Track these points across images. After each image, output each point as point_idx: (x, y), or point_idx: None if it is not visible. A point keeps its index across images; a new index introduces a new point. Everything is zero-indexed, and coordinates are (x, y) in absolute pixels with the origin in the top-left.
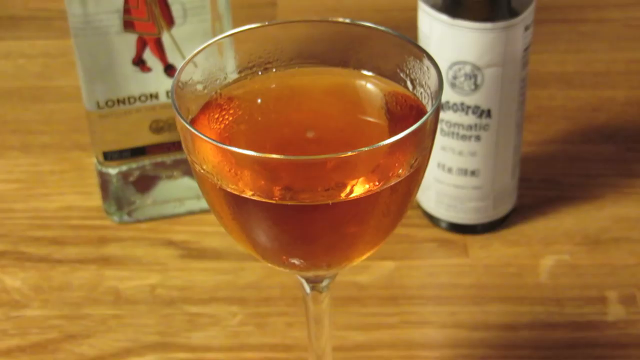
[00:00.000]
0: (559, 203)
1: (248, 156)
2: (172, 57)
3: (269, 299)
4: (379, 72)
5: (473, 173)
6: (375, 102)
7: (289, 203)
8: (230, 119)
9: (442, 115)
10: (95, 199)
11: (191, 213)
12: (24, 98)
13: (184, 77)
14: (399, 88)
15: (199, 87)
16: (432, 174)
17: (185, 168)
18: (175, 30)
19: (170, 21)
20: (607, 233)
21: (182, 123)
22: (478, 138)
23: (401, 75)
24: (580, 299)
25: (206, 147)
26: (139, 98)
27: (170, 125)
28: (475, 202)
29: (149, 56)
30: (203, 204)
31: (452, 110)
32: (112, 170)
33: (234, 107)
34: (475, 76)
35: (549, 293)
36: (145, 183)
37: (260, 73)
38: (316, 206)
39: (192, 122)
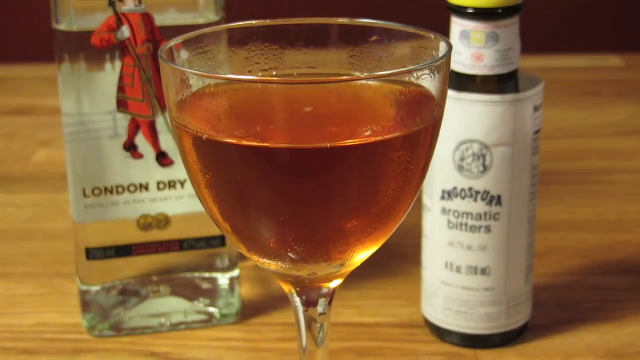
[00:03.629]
0: (578, 323)
1: (244, 81)
2: (166, 144)
3: None
4: (384, 69)
5: (484, 271)
6: (381, 93)
7: (284, 146)
8: (224, 103)
9: (450, 204)
10: (74, 317)
11: (176, 329)
12: (10, 237)
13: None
14: (405, 82)
15: (192, 76)
16: (439, 276)
17: (173, 286)
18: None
19: (165, 103)
20: (633, 348)
21: (170, 66)
22: (488, 229)
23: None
24: None
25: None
26: (128, 188)
27: (160, 223)
28: (487, 307)
29: (141, 141)
30: (190, 317)
31: (460, 197)
32: (95, 288)
33: (228, 96)
34: (484, 156)
35: None
36: (129, 299)
37: (260, 74)
38: (313, 150)
39: (180, 103)
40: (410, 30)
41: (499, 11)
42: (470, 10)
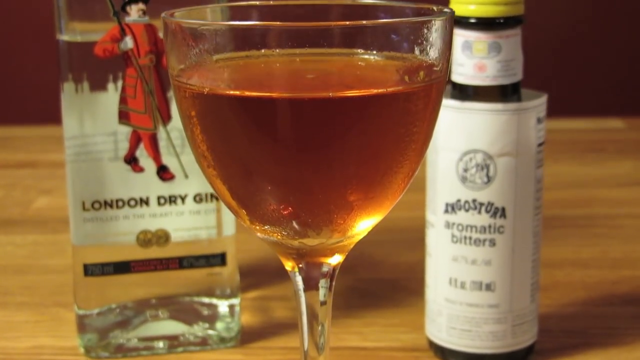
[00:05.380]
0: (585, 347)
1: (248, 29)
2: (167, 158)
3: None
4: (386, 48)
5: (488, 287)
6: (384, 65)
7: (286, 96)
8: (225, 75)
9: (454, 217)
10: (71, 341)
11: (174, 351)
12: (8, 271)
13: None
14: (407, 56)
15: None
16: (443, 293)
17: (172, 310)
18: (171, 127)
19: (167, 116)
20: None
21: (172, 21)
22: (493, 242)
23: (410, 44)
24: None
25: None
26: (128, 202)
27: (159, 239)
28: (492, 325)
29: (142, 154)
30: (188, 340)
31: (463, 209)
32: (92, 311)
33: (230, 66)
34: (487, 166)
35: None
36: (127, 321)
37: (263, 51)
38: (315, 100)
39: (181, 72)
40: (412, 6)
41: (501, 21)
42: (472, 20)
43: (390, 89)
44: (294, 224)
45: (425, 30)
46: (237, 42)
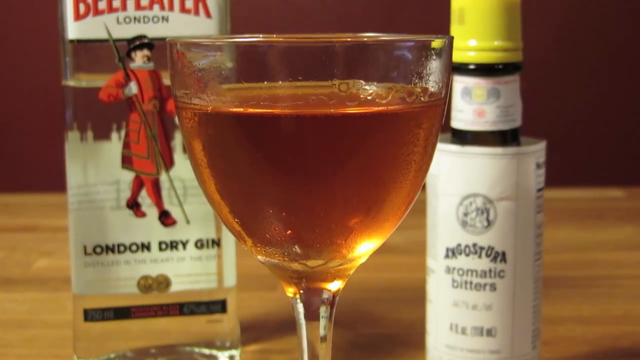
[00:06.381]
0: None
1: (250, 46)
2: (169, 203)
3: None
4: (388, 69)
5: (489, 332)
6: (385, 85)
7: (288, 112)
8: (228, 96)
9: (454, 262)
10: None
11: None
12: (8, 325)
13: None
14: (408, 79)
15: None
16: (443, 340)
17: (171, 359)
18: (174, 173)
19: (170, 161)
20: None
21: (177, 42)
22: (493, 287)
23: (409, 76)
24: None
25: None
26: (129, 247)
27: (160, 284)
28: None
29: (144, 199)
30: None
31: (464, 253)
32: None
33: (234, 94)
34: (487, 210)
35: None
36: None
37: (264, 82)
38: (317, 117)
39: (184, 94)
40: (411, 38)
41: (500, 67)
42: (471, 67)
43: (391, 107)
44: (295, 244)
45: (425, 53)
46: (240, 60)
